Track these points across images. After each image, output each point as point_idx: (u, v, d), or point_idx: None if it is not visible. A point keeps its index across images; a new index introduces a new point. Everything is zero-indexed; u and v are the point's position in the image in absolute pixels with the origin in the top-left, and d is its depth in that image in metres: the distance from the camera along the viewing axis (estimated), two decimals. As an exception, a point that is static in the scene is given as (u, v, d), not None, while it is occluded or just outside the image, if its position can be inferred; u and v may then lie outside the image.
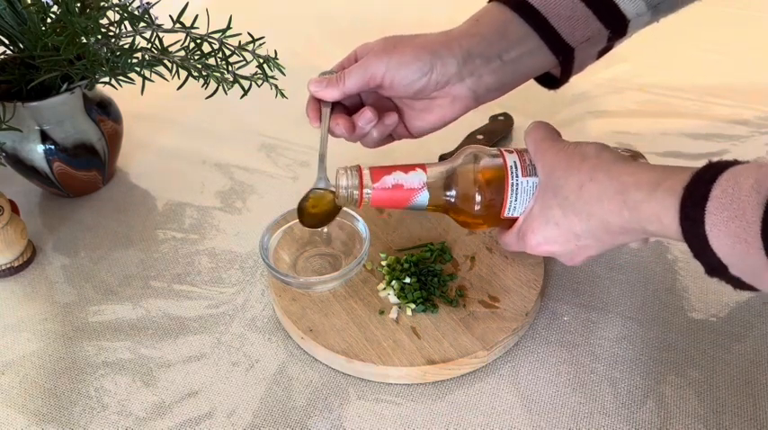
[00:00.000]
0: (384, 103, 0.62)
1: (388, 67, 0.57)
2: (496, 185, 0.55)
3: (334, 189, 0.61)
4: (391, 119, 0.60)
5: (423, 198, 0.56)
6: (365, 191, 0.56)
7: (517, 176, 0.55)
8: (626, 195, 0.46)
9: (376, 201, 0.57)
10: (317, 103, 0.61)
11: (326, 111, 0.60)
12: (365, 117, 0.59)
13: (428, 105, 0.60)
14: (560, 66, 0.60)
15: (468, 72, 0.58)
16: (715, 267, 0.42)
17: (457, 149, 0.76)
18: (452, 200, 0.56)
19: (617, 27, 0.60)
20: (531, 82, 0.63)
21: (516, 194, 0.55)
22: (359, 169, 0.56)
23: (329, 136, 0.60)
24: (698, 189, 0.41)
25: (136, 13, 0.65)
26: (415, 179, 0.56)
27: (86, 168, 0.75)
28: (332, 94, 0.59)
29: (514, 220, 0.56)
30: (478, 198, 0.55)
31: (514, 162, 0.55)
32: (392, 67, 0.57)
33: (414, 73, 0.57)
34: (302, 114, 0.87)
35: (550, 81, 0.64)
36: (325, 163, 0.60)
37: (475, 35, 0.58)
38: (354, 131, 0.59)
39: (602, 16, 0.59)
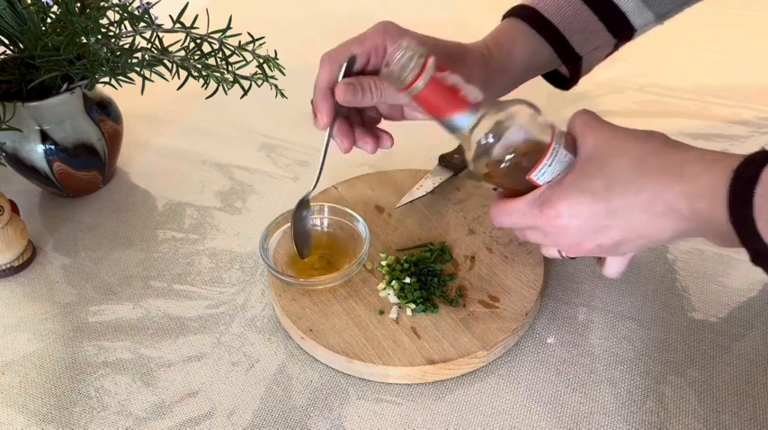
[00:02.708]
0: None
1: None
2: (538, 143, 0.52)
3: (317, 224, 0.65)
4: (387, 142, 0.62)
5: (469, 117, 0.52)
6: (424, 75, 0.50)
7: (559, 144, 0.52)
8: (685, 168, 0.46)
9: (427, 91, 0.51)
10: (333, 101, 0.58)
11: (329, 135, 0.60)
12: (368, 145, 0.60)
13: None
14: (569, 71, 0.63)
15: (482, 85, 0.59)
16: (760, 253, 0.42)
17: (457, 150, 0.76)
18: (492, 139, 0.52)
19: (624, 35, 0.63)
20: (533, 82, 0.64)
21: (553, 160, 0.52)
22: (427, 52, 0.52)
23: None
24: (748, 170, 0.42)
25: (136, 13, 0.65)
26: (473, 92, 0.52)
27: (86, 168, 0.75)
28: (368, 101, 0.57)
29: (527, 190, 0.53)
30: (517, 146, 0.52)
31: (561, 132, 0.53)
32: None
33: None
34: (302, 114, 0.87)
35: (561, 83, 0.67)
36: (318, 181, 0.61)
37: (491, 54, 0.61)
38: (352, 148, 0.60)
39: (611, 28, 0.62)
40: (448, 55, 0.58)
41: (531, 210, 0.52)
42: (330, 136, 0.59)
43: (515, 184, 0.54)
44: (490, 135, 0.52)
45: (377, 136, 0.61)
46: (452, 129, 0.53)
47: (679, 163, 0.47)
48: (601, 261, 0.57)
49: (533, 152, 0.52)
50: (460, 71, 0.56)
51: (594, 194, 0.49)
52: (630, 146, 0.49)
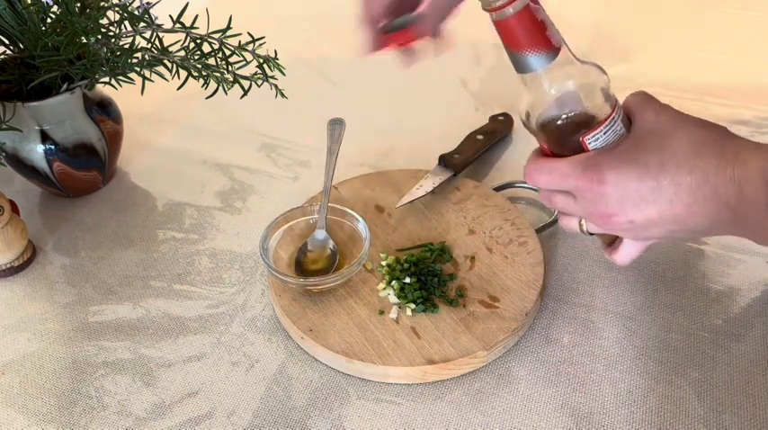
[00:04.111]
0: None
1: None
2: (601, 108, 0.52)
3: (333, 246, 0.65)
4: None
5: (546, 60, 0.50)
6: (518, 1, 0.48)
7: (618, 115, 0.52)
8: (739, 155, 0.47)
9: (515, 20, 0.49)
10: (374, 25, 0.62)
11: (332, 159, 0.63)
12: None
13: None
14: None
15: None
16: None
17: (457, 150, 0.76)
18: (561, 89, 0.51)
19: None
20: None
21: (610, 128, 0.52)
22: None
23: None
24: None
25: (136, 13, 0.65)
26: (557, 35, 0.51)
27: (86, 168, 0.75)
28: None
29: (571, 153, 0.53)
30: (582, 104, 0.51)
31: (620, 106, 0.53)
32: None
33: None
34: (302, 114, 0.88)
35: None
36: (326, 207, 0.62)
37: None
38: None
39: None
40: None
41: (574, 171, 0.51)
42: (330, 179, 0.63)
43: (562, 144, 0.53)
44: (560, 85, 0.51)
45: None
46: (522, 66, 0.51)
47: (735, 150, 0.47)
48: (613, 245, 0.57)
49: (593, 116, 0.52)
50: None
51: (646, 167, 0.49)
52: (693, 128, 0.49)
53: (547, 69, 0.50)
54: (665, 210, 0.49)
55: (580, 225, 0.55)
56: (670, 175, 0.48)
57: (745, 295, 0.63)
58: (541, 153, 0.55)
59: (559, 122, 0.52)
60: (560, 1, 0.56)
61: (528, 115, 0.53)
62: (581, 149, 0.52)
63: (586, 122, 0.52)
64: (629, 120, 0.53)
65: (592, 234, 0.56)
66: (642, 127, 0.51)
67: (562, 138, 0.53)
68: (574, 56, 0.51)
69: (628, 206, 0.50)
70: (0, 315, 0.66)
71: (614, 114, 0.52)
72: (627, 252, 0.55)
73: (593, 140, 0.52)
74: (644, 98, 0.53)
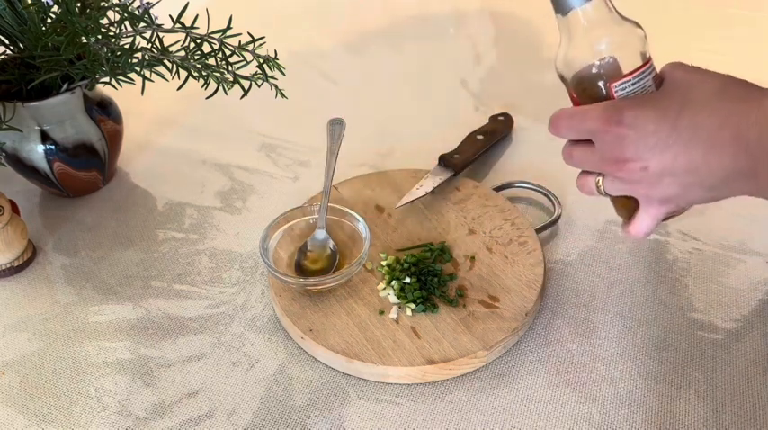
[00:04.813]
0: None
1: None
2: (634, 59, 0.53)
3: (333, 246, 0.64)
4: None
5: None
6: None
7: (649, 71, 0.54)
8: (763, 100, 0.47)
9: None
10: None
11: (332, 159, 0.62)
12: None
13: None
14: None
15: None
16: None
17: (457, 150, 0.76)
18: (600, 34, 0.53)
19: None
20: (531, 83, 0.64)
21: (639, 79, 0.53)
22: None
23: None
24: None
25: (136, 13, 0.65)
26: None
27: (86, 168, 0.75)
28: None
29: (601, 98, 0.54)
30: (617, 51, 0.53)
31: (654, 66, 0.55)
32: None
33: None
34: (302, 114, 0.88)
35: None
36: (326, 207, 0.62)
37: None
38: None
39: None
40: None
41: (594, 112, 0.52)
42: (330, 178, 0.62)
43: (591, 92, 0.54)
44: (595, 30, 0.53)
45: None
46: (562, 5, 0.53)
47: (759, 96, 0.47)
48: (629, 220, 0.56)
49: (624, 66, 0.53)
50: None
51: (666, 110, 0.49)
52: (717, 77, 0.50)
53: (584, 11, 0.52)
54: (681, 154, 0.49)
55: (597, 186, 0.55)
56: (689, 116, 0.48)
57: (745, 295, 0.63)
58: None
59: (591, 69, 0.53)
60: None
61: (561, 61, 0.55)
62: (609, 99, 0.53)
63: (617, 72, 0.53)
64: (661, 82, 0.53)
65: (608, 195, 0.56)
66: (671, 82, 0.52)
67: (591, 85, 0.54)
68: (614, 8, 0.53)
69: (643, 150, 0.50)
70: (0, 315, 0.66)
71: (645, 68, 0.53)
72: (643, 222, 0.55)
73: (620, 89, 0.53)
74: (678, 63, 0.54)
